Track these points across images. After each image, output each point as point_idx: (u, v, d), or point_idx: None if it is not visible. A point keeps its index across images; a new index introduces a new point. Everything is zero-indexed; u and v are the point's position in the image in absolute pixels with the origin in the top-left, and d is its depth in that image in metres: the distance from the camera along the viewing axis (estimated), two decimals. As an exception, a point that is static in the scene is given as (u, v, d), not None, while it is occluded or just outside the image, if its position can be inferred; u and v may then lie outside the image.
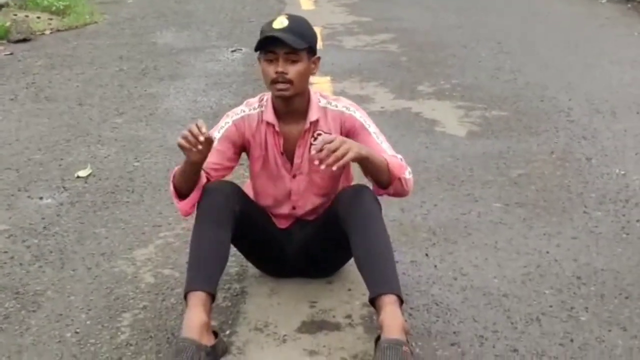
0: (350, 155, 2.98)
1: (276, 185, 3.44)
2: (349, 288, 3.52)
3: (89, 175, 5.01)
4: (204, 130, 2.97)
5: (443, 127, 5.71)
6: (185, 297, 3.06)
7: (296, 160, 3.39)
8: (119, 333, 3.25)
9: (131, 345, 3.16)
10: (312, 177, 3.42)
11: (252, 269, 3.69)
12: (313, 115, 3.34)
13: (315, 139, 3.35)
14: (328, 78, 7.09)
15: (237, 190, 3.30)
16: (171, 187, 3.26)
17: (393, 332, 2.88)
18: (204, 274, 3.07)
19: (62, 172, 5.09)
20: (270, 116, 3.35)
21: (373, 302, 3.02)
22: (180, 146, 3.00)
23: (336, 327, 3.24)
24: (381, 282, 3.04)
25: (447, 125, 5.75)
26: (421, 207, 4.37)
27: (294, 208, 3.47)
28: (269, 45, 3.18)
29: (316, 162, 2.96)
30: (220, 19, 10.20)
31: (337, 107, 3.38)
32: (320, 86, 6.84)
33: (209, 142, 3.01)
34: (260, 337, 3.18)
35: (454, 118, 5.92)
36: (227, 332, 3.23)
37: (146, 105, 6.45)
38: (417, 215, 4.27)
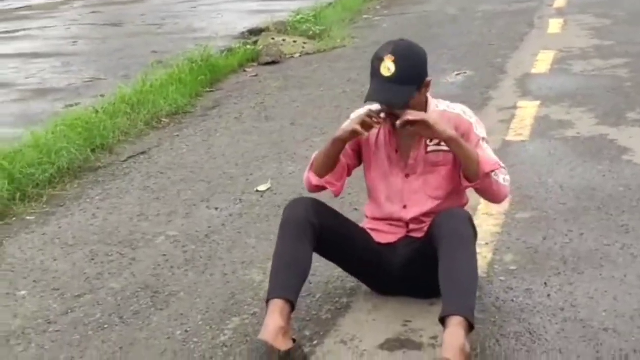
0: (427, 121, 3.26)
1: (388, 184, 3.61)
2: (449, 310, 3.54)
3: (267, 190, 5.34)
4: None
5: (631, 156, 5.50)
6: (267, 305, 3.26)
7: (410, 161, 3.55)
8: (221, 335, 3.52)
9: (226, 346, 3.42)
10: (427, 178, 3.54)
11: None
12: None
13: (431, 140, 3.50)
14: (537, 102, 7.01)
15: (318, 204, 3.50)
16: (309, 166, 3.63)
17: (447, 352, 2.95)
18: (282, 283, 3.28)
19: (245, 186, 5.47)
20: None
21: (443, 322, 3.08)
22: (362, 124, 3.35)
23: (418, 346, 3.32)
24: (453, 303, 3.11)
25: (638, 154, 5.52)
26: (566, 236, 4.28)
27: (404, 207, 3.58)
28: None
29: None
30: (461, 42, 10.28)
31: (454, 110, 3.53)
32: (526, 110, 6.80)
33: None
34: (342, 350, 3.33)
35: (649, 147, 5.67)
36: (315, 342, 3.40)
37: (349, 126, 6.70)
38: (557, 243, 4.20)
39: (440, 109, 3.54)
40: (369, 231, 3.66)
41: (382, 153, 3.59)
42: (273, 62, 10.01)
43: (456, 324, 3.03)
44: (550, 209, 4.66)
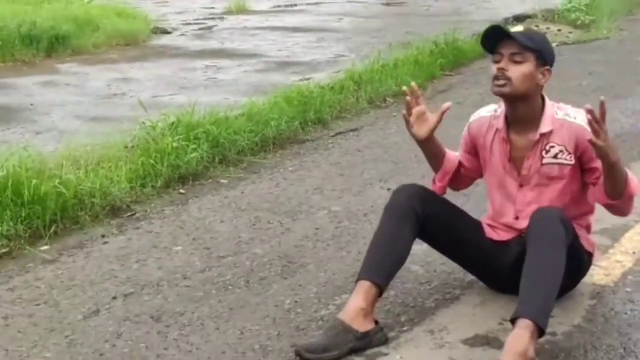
0: (602, 142, 3.03)
1: (502, 191, 3.53)
2: (553, 315, 3.43)
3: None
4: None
5: None
6: (355, 285, 3.34)
7: (523, 172, 3.44)
8: (324, 309, 3.63)
9: (322, 320, 3.53)
10: (541, 190, 3.43)
11: (486, 280, 3.76)
12: (545, 126, 3.37)
13: (548, 151, 3.35)
14: None
15: (425, 191, 3.49)
16: None
17: (506, 356, 2.88)
18: (373, 265, 3.32)
19: (428, 170, 5.46)
20: (500, 122, 3.47)
21: (513, 323, 3.01)
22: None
23: (500, 346, 3.22)
24: (525, 304, 3.03)
25: None
26: None
27: (516, 218, 3.49)
28: (495, 42, 3.33)
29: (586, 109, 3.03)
30: None
31: (575, 119, 3.37)
32: None
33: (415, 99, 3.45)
34: (426, 338, 3.33)
35: None
36: (405, 328, 3.43)
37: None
38: None
39: (560, 117, 3.39)
40: (484, 226, 3.60)
41: (497, 159, 3.51)
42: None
43: (523, 326, 2.94)
44: None
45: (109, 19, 10.36)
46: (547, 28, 10.92)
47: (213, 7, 13.28)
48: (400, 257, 3.38)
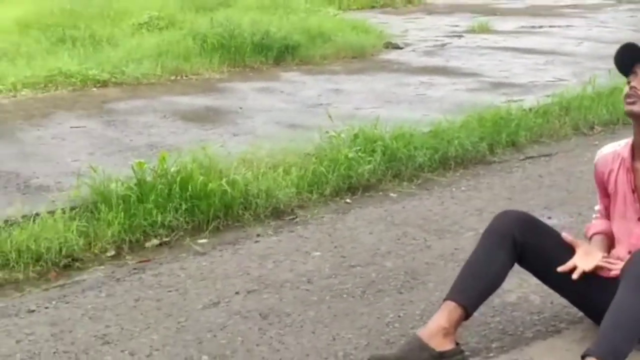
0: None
1: (623, 223, 3.42)
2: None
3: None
4: None
5: None
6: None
7: None
8: (420, 326, 3.60)
9: (403, 336, 3.53)
10: None
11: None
12: None
13: None
14: None
15: (528, 219, 3.41)
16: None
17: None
18: (461, 287, 3.31)
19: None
20: (625, 151, 3.37)
21: None
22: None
23: (579, 384, 3.12)
24: (598, 344, 2.95)
25: None
26: None
27: (629, 252, 3.35)
28: (632, 63, 3.24)
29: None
30: None
31: None
32: None
33: None
34: (505, 367, 3.27)
35: None
36: (491, 354, 3.39)
37: None
38: None
39: None
40: (595, 261, 3.47)
41: (620, 192, 3.40)
42: None
43: (591, 366, 2.84)
44: None
45: (343, 32, 10.71)
46: None
47: (457, 26, 13.34)
48: (492, 282, 3.34)
